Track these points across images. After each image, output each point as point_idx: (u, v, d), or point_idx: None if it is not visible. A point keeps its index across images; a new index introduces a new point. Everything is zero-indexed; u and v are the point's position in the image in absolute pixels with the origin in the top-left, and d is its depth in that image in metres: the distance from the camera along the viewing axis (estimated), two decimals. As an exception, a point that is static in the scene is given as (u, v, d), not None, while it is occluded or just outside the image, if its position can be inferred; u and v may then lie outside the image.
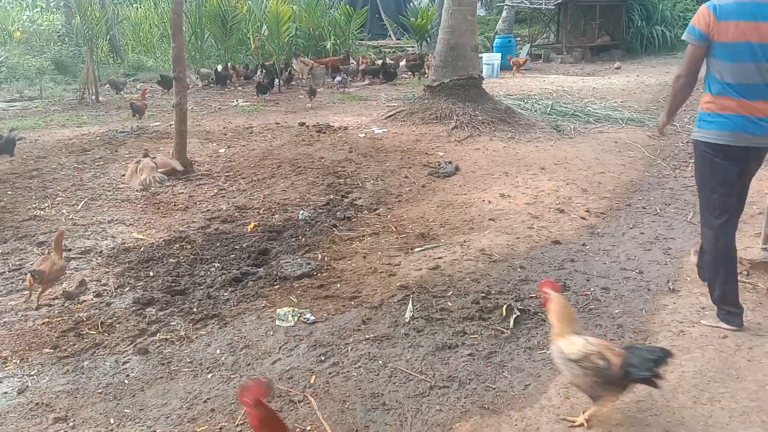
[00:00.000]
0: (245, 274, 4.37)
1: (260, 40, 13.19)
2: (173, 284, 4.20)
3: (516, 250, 4.54)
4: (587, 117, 9.01)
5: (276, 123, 8.95)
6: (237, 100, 11.27)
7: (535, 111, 9.30)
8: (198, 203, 5.84)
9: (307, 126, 8.61)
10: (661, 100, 10.59)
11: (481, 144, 7.44)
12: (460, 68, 8.38)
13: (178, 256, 4.66)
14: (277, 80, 12.28)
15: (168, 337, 3.48)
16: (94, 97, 11.13)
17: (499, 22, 24.69)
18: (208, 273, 4.39)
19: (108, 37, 15.51)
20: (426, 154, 7.12)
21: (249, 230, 5.18)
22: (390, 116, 8.59)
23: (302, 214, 5.43)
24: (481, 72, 8.65)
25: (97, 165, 6.94)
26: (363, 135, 7.92)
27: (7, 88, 12.86)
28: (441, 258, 4.43)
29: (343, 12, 15.50)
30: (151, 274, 4.38)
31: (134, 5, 19.63)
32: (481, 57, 15.10)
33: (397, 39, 21.77)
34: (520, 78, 13.98)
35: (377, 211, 5.52)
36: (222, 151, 7.52)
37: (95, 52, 13.33)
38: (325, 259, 4.52)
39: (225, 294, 4.04)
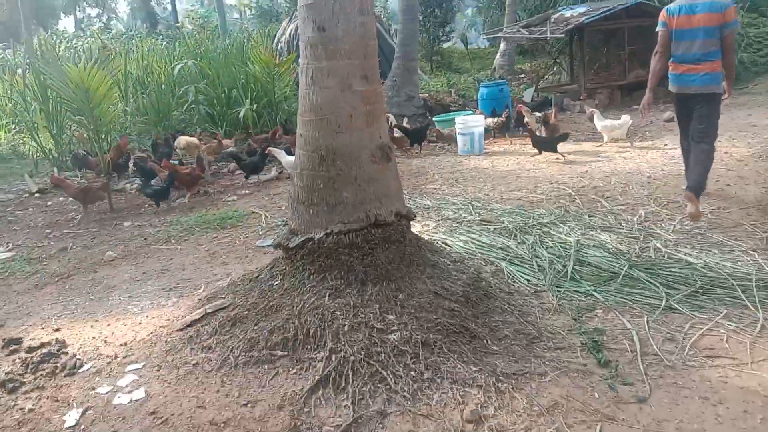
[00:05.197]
0: None
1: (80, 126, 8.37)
2: None
3: None
4: (670, 288, 3.92)
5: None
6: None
7: (542, 268, 4.24)
8: None
9: None
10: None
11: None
12: (348, 205, 3.46)
13: None
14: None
15: None
16: None
17: (497, 56, 19.78)
18: None
19: None
20: None
21: None
22: (196, 321, 3.64)
23: None
24: (404, 207, 3.66)
25: None
26: (72, 423, 2.94)
27: None
28: None
29: (260, 63, 10.60)
30: None
31: None
32: (444, 118, 9.58)
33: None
34: (519, 154, 8.90)
35: None
36: None
37: None
38: None
39: None
